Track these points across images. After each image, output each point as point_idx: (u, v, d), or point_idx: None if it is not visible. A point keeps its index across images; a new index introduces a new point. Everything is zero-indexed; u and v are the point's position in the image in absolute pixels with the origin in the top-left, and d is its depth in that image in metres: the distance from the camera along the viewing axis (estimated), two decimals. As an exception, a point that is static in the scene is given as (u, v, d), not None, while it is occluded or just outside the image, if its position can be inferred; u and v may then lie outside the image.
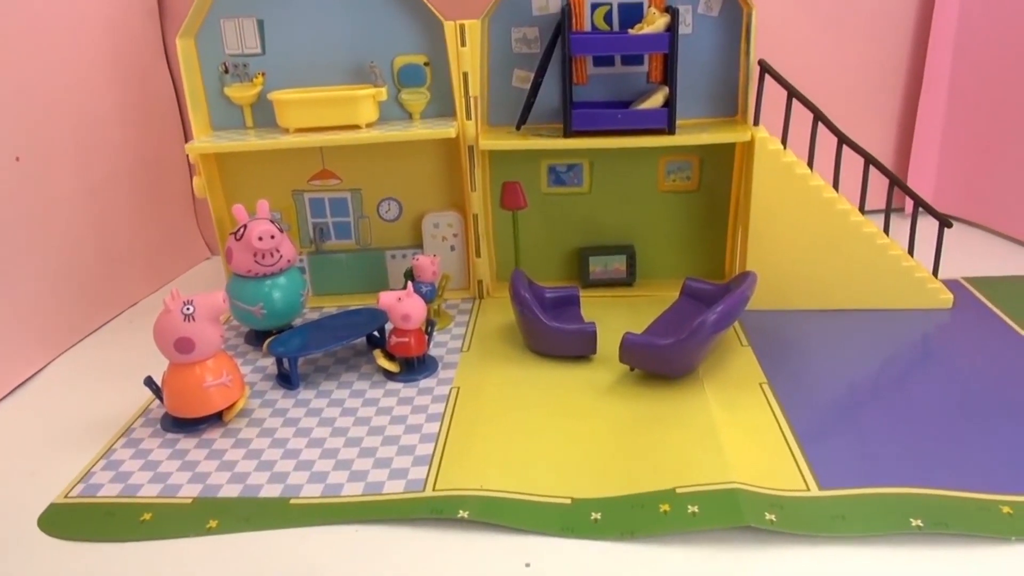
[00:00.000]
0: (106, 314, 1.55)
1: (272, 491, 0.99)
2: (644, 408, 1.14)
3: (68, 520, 0.96)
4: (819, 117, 1.34)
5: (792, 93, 1.34)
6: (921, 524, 0.87)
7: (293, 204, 1.57)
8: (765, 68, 1.34)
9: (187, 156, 1.43)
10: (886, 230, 1.40)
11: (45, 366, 1.37)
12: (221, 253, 1.51)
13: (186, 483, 1.02)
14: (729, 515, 0.89)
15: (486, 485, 0.97)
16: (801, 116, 1.34)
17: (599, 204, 1.56)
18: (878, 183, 1.39)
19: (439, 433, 1.10)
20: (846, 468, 0.98)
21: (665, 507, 0.91)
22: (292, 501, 0.97)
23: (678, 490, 0.94)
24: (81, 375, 1.35)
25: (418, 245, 1.59)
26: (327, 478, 1.01)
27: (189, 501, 0.98)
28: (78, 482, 1.03)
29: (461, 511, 0.92)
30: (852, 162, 1.36)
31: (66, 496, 1.01)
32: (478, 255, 1.55)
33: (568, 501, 0.94)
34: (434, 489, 0.97)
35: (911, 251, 1.41)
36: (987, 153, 1.78)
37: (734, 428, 1.07)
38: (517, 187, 1.55)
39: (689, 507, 0.90)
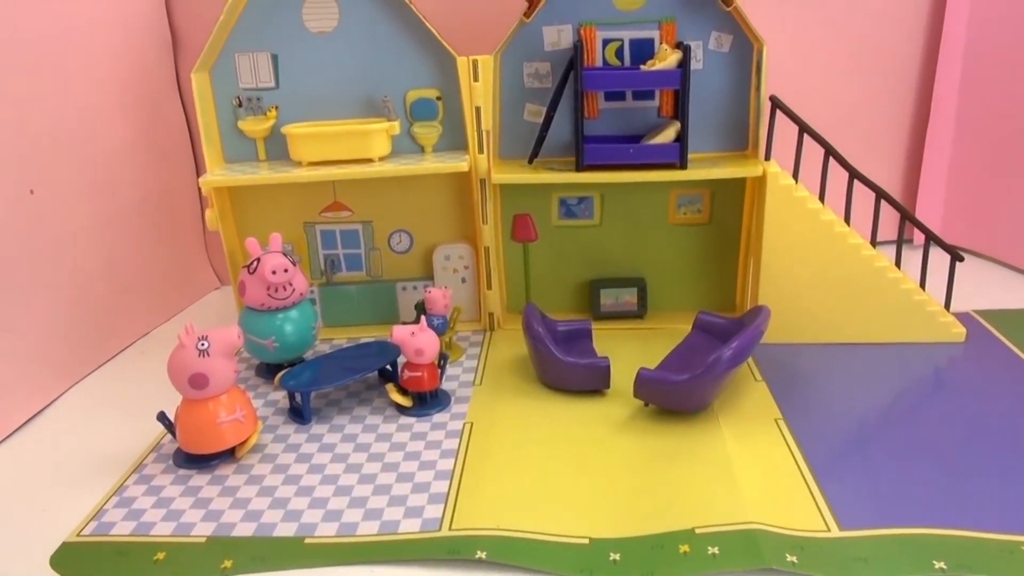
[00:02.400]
0: (117, 345, 1.55)
1: (286, 530, 0.99)
2: (660, 444, 1.13)
3: (81, 559, 0.95)
4: (830, 152, 1.35)
5: (803, 129, 1.34)
6: (944, 567, 0.86)
7: (304, 236, 1.57)
8: (776, 104, 1.35)
9: (198, 187, 1.44)
10: (897, 264, 1.40)
11: (58, 397, 1.36)
12: (233, 285, 1.51)
13: (199, 521, 1.01)
14: (750, 557, 0.88)
15: (503, 524, 0.96)
16: (812, 150, 1.35)
17: (610, 237, 1.56)
18: (889, 215, 1.39)
19: (454, 470, 1.09)
20: (865, 507, 0.97)
21: (685, 548, 0.90)
22: (307, 540, 0.96)
23: (697, 530, 0.93)
24: (93, 407, 1.34)
25: (429, 277, 1.59)
26: (342, 516, 1.01)
27: (203, 540, 0.97)
28: (90, 520, 1.02)
29: (479, 551, 0.91)
30: (863, 194, 1.36)
31: (78, 534, 1.00)
32: (489, 287, 1.55)
33: (586, 541, 0.93)
34: (450, 528, 0.96)
35: (923, 284, 1.41)
36: (995, 185, 1.79)
37: (751, 465, 1.07)
38: (528, 220, 1.56)
39: (709, 548, 0.90)
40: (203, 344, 1.08)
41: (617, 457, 1.10)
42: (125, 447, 1.20)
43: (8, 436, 1.25)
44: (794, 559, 0.87)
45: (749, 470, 1.05)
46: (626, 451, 1.12)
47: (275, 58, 1.45)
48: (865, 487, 1.01)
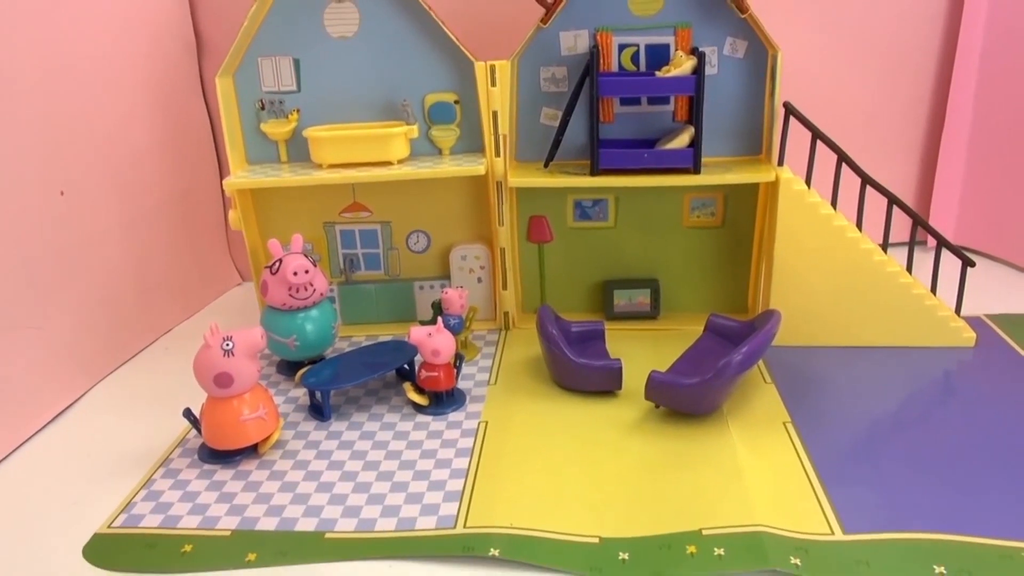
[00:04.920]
0: (142, 341, 1.59)
1: (307, 525, 1.02)
2: (670, 446, 1.16)
3: (112, 550, 1.00)
4: (843, 158, 1.36)
5: (817, 135, 1.36)
6: (944, 571, 0.88)
7: (324, 235, 1.60)
8: (790, 110, 1.36)
9: (222, 188, 1.47)
10: (909, 269, 1.41)
11: (85, 393, 1.41)
12: (255, 283, 1.55)
13: (224, 515, 1.05)
14: (754, 558, 0.90)
15: (516, 523, 0.99)
16: (825, 155, 1.36)
17: (624, 238, 1.58)
18: (901, 218, 1.41)
19: (469, 468, 1.13)
20: (870, 512, 0.99)
21: (692, 548, 0.93)
22: (327, 535, 1.00)
23: (704, 531, 0.96)
24: (119, 402, 1.39)
25: (446, 276, 1.62)
26: (360, 512, 1.04)
27: (228, 534, 1.01)
28: (120, 512, 1.07)
29: (492, 549, 0.95)
30: (875, 198, 1.38)
31: (109, 526, 1.04)
32: (504, 287, 1.58)
33: (596, 540, 0.96)
34: (465, 526, 1.00)
35: (934, 289, 1.42)
36: (1010, 188, 1.79)
37: (759, 468, 1.09)
38: (543, 221, 1.58)
39: (715, 549, 0.92)
40: (228, 344, 1.12)
41: (628, 458, 1.13)
42: (151, 441, 1.24)
43: (38, 431, 1.29)
44: (797, 561, 0.90)
45: (757, 473, 1.08)
46: (637, 452, 1.15)
47: (297, 62, 1.48)
48: (870, 491, 1.04)
